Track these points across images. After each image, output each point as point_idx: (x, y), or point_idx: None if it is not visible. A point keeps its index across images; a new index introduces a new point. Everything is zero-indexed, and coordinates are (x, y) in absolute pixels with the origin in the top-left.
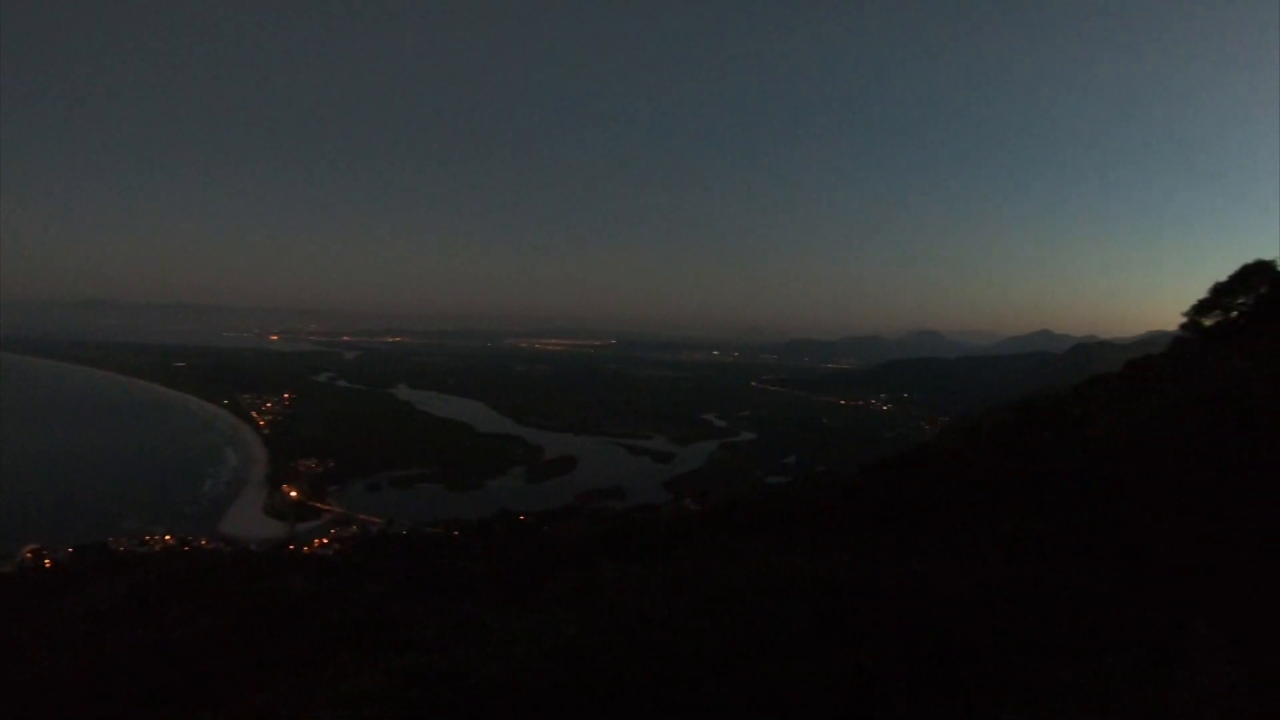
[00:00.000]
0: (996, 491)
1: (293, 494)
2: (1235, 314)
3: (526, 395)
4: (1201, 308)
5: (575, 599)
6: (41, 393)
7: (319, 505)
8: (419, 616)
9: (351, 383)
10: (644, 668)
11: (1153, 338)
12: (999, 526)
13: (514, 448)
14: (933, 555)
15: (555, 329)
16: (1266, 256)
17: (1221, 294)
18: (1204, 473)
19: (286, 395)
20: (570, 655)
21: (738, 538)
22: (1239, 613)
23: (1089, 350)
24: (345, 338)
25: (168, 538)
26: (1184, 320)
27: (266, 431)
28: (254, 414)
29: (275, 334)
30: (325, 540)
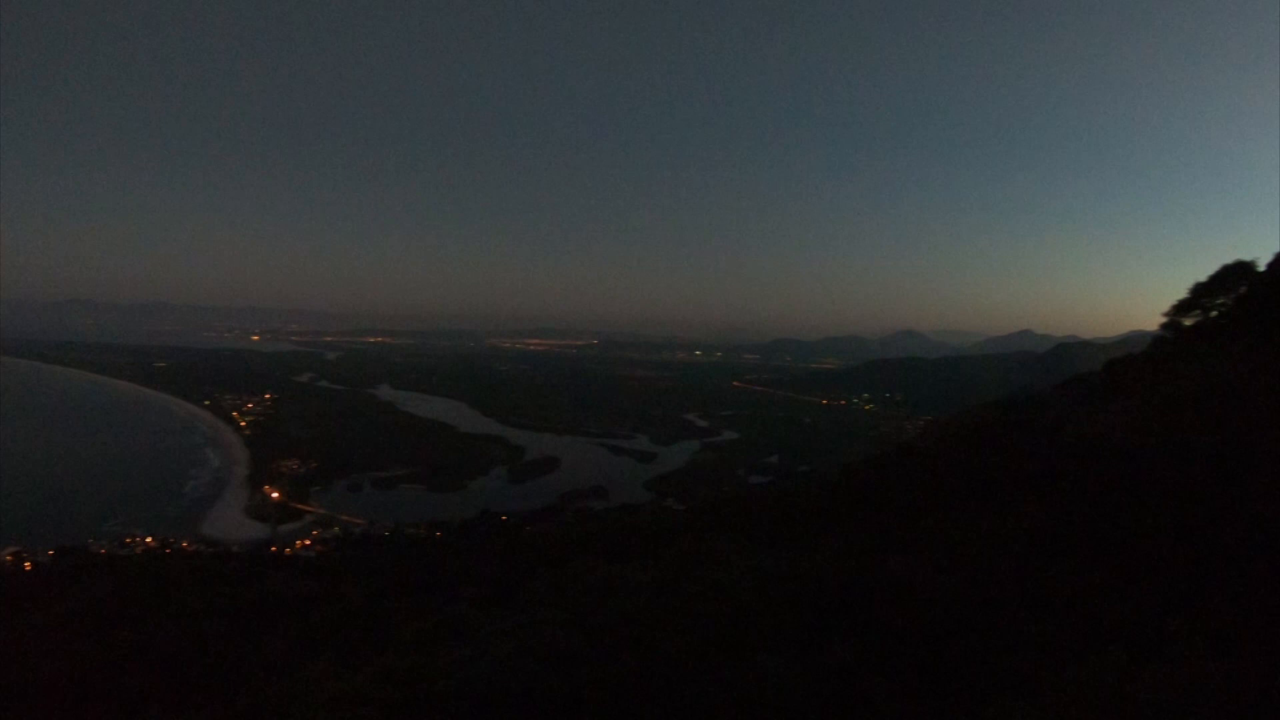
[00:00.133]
0: (978, 490)
1: (274, 495)
2: (1215, 314)
3: (508, 395)
4: (1181, 308)
5: (558, 599)
6: (20, 394)
7: (301, 506)
8: (402, 617)
9: (333, 383)
10: (627, 667)
11: (1133, 337)
12: (981, 524)
13: (496, 448)
14: (915, 553)
15: (537, 329)
16: (1246, 257)
17: (1201, 294)
18: (1183, 471)
19: (268, 396)
20: (553, 655)
21: (721, 537)
22: (1218, 609)
23: (1070, 350)
24: (327, 338)
25: (149, 540)
26: (1164, 320)
27: (248, 432)
28: (235, 415)
29: (256, 334)
30: (307, 541)
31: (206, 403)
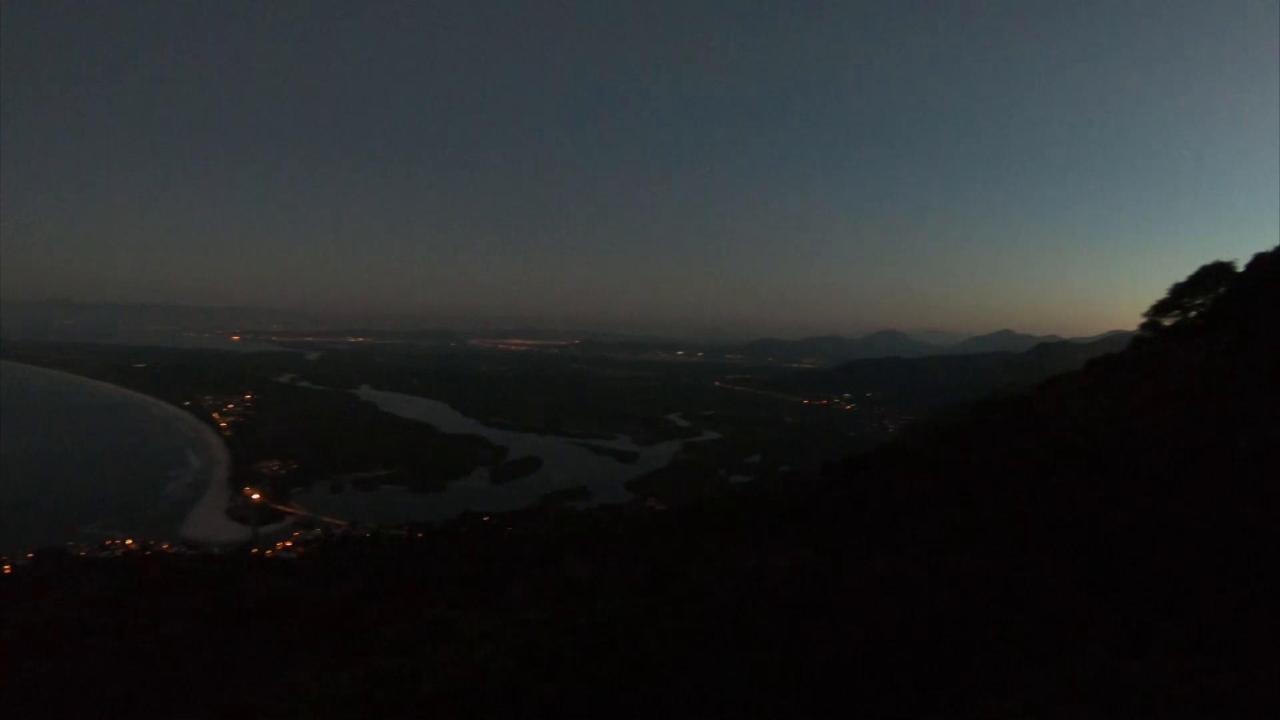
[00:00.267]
0: (960, 489)
1: (255, 497)
2: (1194, 314)
3: (490, 396)
4: (1161, 308)
5: (541, 599)
6: None
7: (282, 508)
8: (385, 619)
9: (314, 384)
10: (611, 667)
11: (1113, 337)
12: (963, 523)
13: (478, 449)
14: (898, 552)
15: (519, 329)
16: (1225, 258)
17: (1180, 294)
18: (1164, 469)
19: (248, 396)
20: (537, 655)
21: (703, 537)
22: (1199, 606)
23: (1051, 350)
24: (307, 338)
25: (129, 542)
26: (1144, 320)
27: (228, 433)
28: (215, 415)
29: (237, 334)
30: (289, 543)
31: (187, 403)
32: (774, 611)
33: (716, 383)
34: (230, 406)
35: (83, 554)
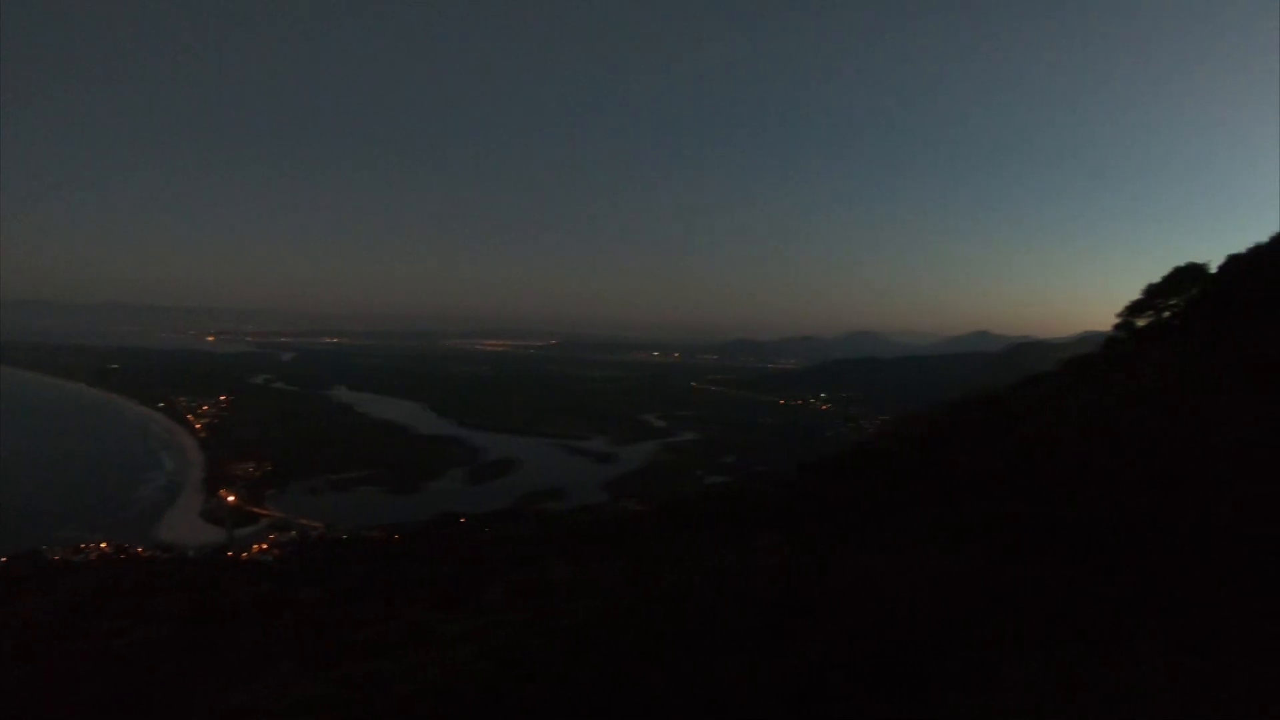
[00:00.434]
0: (937, 488)
1: (230, 499)
2: (1167, 314)
3: (466, 396)
4: (1134, 308)
5: (519, 600)
6: None
7: (257, 510)
8: (361, 622)
9: (289, 384)
10: (590, 668)
11: (1087, 337)
12: (940, 522)
13: (454, 449)
14: (875, 551)
15: (495, 329)
16: (1199, 260)
17: (1154, 295)
18: (1139, 468)
19: (223, 398)
20: (515, 657)
21: (680, 537)
22: (1177, 603)
23: (1025, 350)
24: (282, 339)
25: (103, 545)
26: (1118, 320)
27: (203, 435)
28: (190, 417)
29: (211, 335)
30: (264, 545)
31: (161, 405)
32: (753, 611)
33: (693, 383)
34: (205, 408)
35: (57, 558)
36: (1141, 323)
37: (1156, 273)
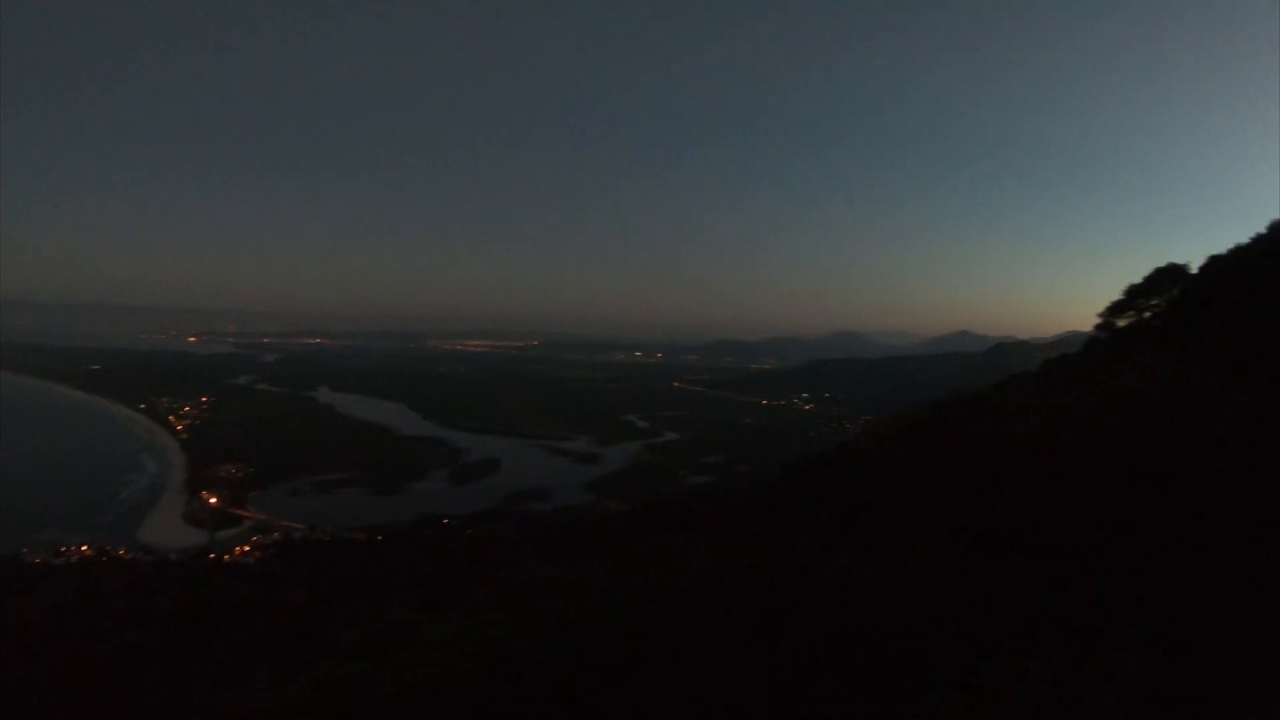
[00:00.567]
0: (919, 487)
1: (212, 500)
2: (1148, 315)
3: (448, 397)
4: (1115, 309)
5: (502, 601)
6: None
7: (239, 512)
8: (344, 623)
9: (271, 385)
10: (573, 668)
11: (1069, 338)
12: (923, 522)
13: (437, 450)
14: (858, 550)
15: (478, 330)
16: (1179, 260)
17: (1135, 295)
18: (1120, 467)
19: (205, 399)
20: (497, 658)
21: (663, 537)
22: (1155, 602)
23: (1007, 350)
24: (265, 339)
25: (84, 548)
26: (1099, 321)
27: (185, 436)
28: (171, 418)
29: (193, 335)
30: (247, 547)
31: (142, 406)
32: (736, 611)
33: (676, 383)
34: (186, 409)
35: (37, 561)
36: (1123, 323)
37: (1138, 273)
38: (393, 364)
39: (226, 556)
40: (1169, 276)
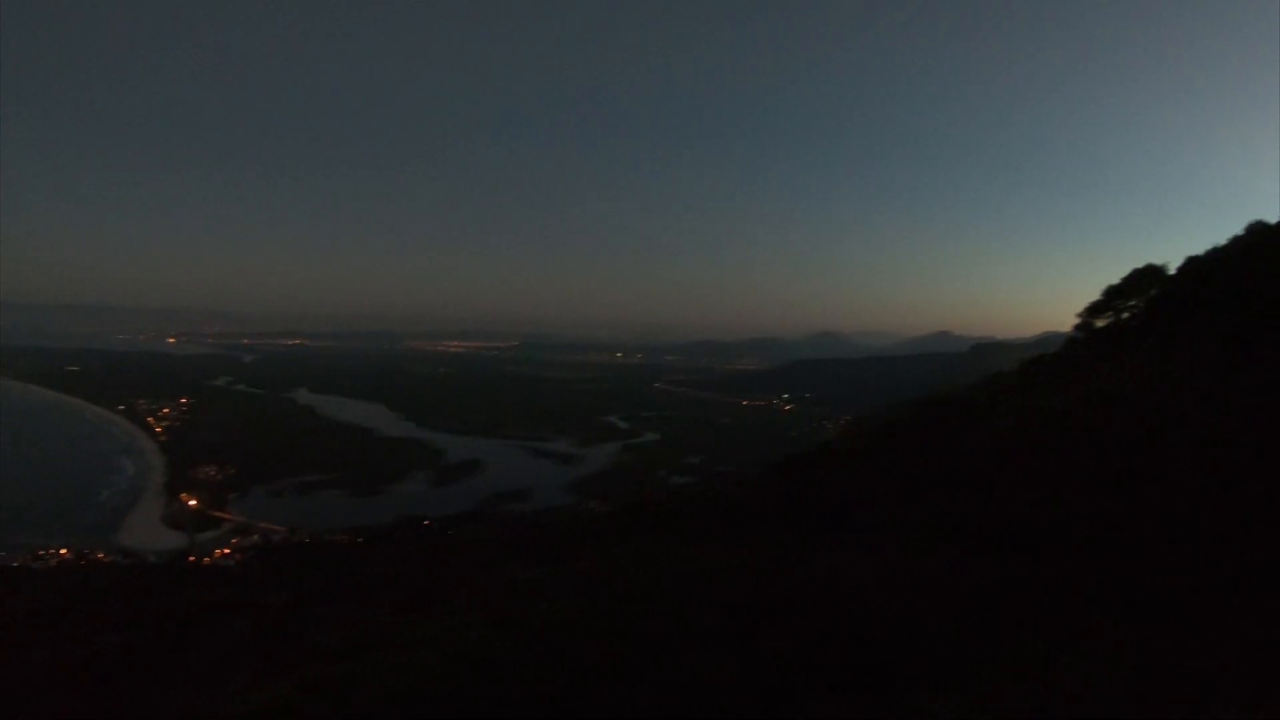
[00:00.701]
0: (900, 487)
1: (192, 503)
2: (1126, 315)
3: (429, 398)
4: (1094, 309)
5: (483, 603)
6: None
7: (219, 514)
8: (325, 626)
9: (251, 387)
10: (554, 669)
11: (1048, 338)
12: (904, 521)
13: (417, 452)
14: (840, 549)
15: (458, 331)
16: (1157, 261)
17: (1113, 296)
18: (1099, 465)
19: (184, 400)
20: (478, 659)
21: (644, 538)
22: (1136, 598)
23: (987, 350)
24: (244, 340)
25: (64, 551)
26: (1078, 321)
27: (164, 438)
28: (150, 420)
29: (172, 336)
30: (226, 550)
31: (121, 408)
32: (717, 611)
33: (656, 384)
34: (165, 411)
35: (16, 564)
36: (1101, 323)
37: (1116, 274)
38: (372, 365)
39: (206, 559)
40: (1147, 278)
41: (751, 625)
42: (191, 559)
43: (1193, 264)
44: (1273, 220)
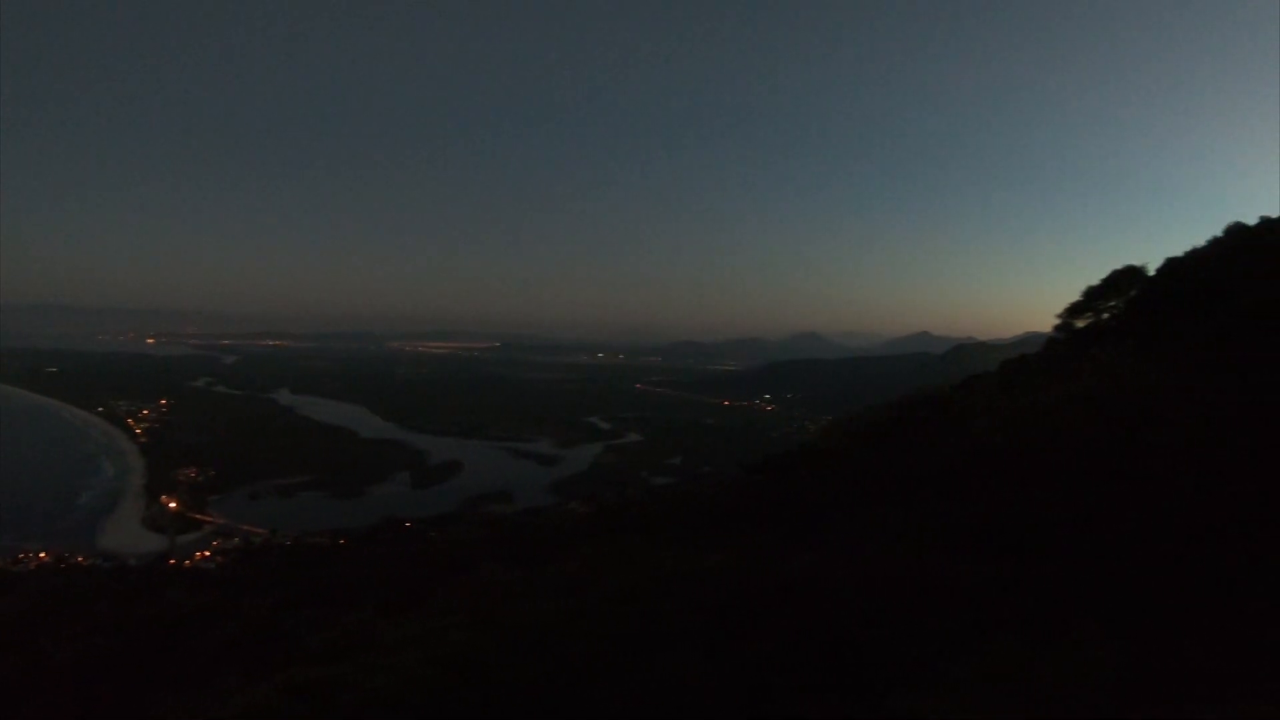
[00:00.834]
0: (880, 487)
1: (172, 505)
2: (1106, 316)
3: (409, 399)
4: (1074, 310)
5: (465, 604)
6: None
7: (199, 516)
8: (307, 628)
9: (231, 388)
10: (535, 671)
11: (1028, 339)
12: (885, 521)
13: (398, 453)
14: (820, 550)
15: (438, 331)
16: (1137, 262)
17: (1093, 297)
18: (1078, 466)
19: (164, 401)
20: (461, 661)
21: (626, 539)
22: (1118, 598)
23: (967, 351)
24: (224, 341)
25: (43, 555)
26: (1057, 322)
27: (143, 440)
28: (130, 421)
29: (152, 337)
30: (207, 553)
31: (100, 409)
32: (699, 612)
33: (637, 385)
34: (145, 412)
35: None
36: (1081, 324)
37: (1096, 275)
38: (353, 366)
39: (187, 562)
40: (1127, 278)
41: (732, 626)
42: (172, 561)
43: (1172, 265)
44: (1251, 222)
